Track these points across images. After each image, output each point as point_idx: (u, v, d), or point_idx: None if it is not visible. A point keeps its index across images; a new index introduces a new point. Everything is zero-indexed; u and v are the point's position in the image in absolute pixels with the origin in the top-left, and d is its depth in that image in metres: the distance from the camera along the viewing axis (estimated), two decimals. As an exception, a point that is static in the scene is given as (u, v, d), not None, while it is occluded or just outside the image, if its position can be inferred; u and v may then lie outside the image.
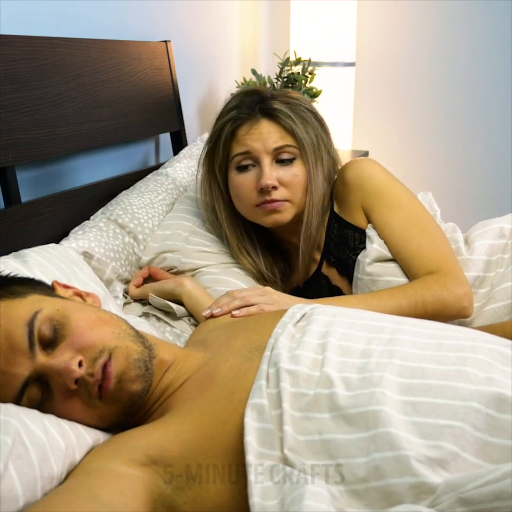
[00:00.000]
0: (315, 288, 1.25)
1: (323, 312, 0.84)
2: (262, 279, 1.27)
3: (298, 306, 0.88)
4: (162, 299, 1.21)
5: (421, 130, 2.49)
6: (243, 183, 1.19)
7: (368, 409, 0.65)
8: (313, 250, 1.22)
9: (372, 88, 2.49)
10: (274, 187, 1.16)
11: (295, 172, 1.19)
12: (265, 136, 1.17)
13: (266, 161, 1.17)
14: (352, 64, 2.25)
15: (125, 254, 1.28)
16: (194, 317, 1.21)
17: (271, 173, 1.16)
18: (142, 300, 1.28)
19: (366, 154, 2.27)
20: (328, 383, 0.69)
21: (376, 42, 2.47)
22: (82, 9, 1.51)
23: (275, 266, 1.30)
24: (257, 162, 1.18)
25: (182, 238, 1.31)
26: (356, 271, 1.16)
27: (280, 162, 1.18)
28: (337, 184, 1.23)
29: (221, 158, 1.22)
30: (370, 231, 1.16)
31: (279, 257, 1.32)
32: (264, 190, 1.16)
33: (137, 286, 1.27)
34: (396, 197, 1.15)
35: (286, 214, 1.19)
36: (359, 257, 1.16)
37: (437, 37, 2.39)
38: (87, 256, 1.18)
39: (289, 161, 1.19)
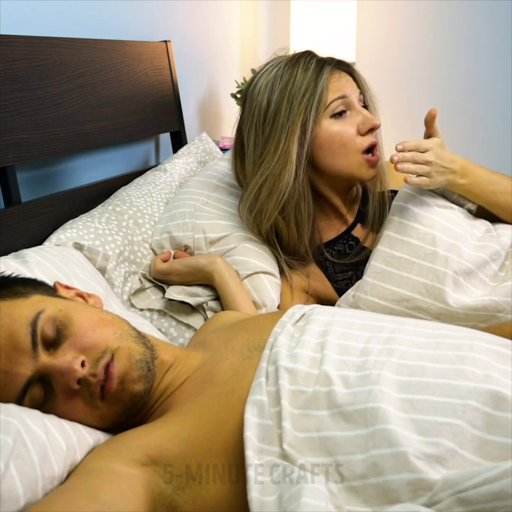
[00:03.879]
0: (339, 249, 1.26)
1: (322, 312, 0.84)
2: (283, 250, 1.25)
3: (297, 306, 0.88)
4: (177, 294, 1.21)
5: (421, 130, 2.49)
6: (346, 129, 1.17)
7: (366, 406, 0.65)
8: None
9: (372, 88, 2.49)
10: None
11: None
12: (350, 82, 1.20)
13: (358, 105, 1.19)
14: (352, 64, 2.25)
15: (121, 235, 1.26)
16: (212, 301, 1.21)
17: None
18: (158, 285, 1.26)
19: (365, 153, 2.27)
20: (326, 381, 0.69)
21: (376, 42, 2.46)
22: (82, 9, 1.51)
23: (316, 233, 1.27)
24: (348, 108, 1.18)
25: (189, 214, 1.31)
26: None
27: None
28: None
29: (313, 113, 1.16)
30: None
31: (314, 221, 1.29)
32: (371, 132, 1.18)
33: (164, 260, 1.26)
34: None
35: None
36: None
37: (437, 37, 2.39)
38: (78, 247, 1.16)
39: (365, 107, 1.21)
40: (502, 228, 1.18)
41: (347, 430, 0.65)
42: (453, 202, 1.20)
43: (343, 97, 1.17)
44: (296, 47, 2.15)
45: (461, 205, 1.21)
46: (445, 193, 1.20)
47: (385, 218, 1.20)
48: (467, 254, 1.10)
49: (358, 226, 1.27)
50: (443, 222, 1.12)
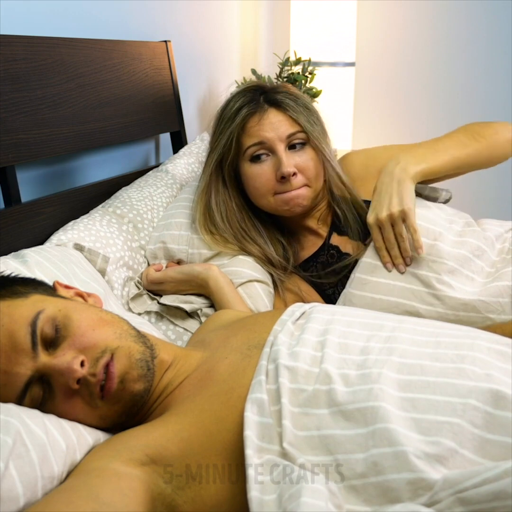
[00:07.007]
0: (322, 260, 1.27)
1: (322, 311, 0.84)
2: (270, 265, 1.28)
3: (297, 305, 0.89)
4: (171, 302, 1.21)
5: (421, 130, 2.49)
6: (260, 173, 1.21)
7: (366, 405, 0.65)
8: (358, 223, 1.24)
9: (372, 88, 2.49)
10: (294, 174, 1.19)
11: (309, 156, 1.22)
12: (276, 125, 1.20)
13: (281, 149, 1.19)
14: (352, 64, 2.25)
15: (121, 240, 1.26)
16: (207, 308, 1.21)
17: (289, 161, 1.19)
18: (154, 293, 1.26)
19: (366, 154, 2.27)
20: (326, 379, 0.69)
21: (376, 42, 2.47)
22: (82, 9, 1.51)
23: (290, 249, 1.31)
24: (271, 152, 1.20)
25: (185, 226, 1.31)
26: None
27: (292, 148, 1.21)
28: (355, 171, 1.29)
29: (232, 153, 1.23)
30: None
31: (290, 240, 1.33)
32: (284, 179, 1.19)
33: (157, 270, 1.27)
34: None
35: (306, 201, 1.22)
36: None
37: (437, 37, 2.39)
38: (78, 248, 1.16)
39: (301, 146, 1.22)
40: (487, 223, 1.19)
41: (347, 429, 0.65)
42: (426, 196, 1.19)
43: (260, 143, 1.20)
44: (296, 47, 2.15)
45: (435, 199, 1.20)
46: (418, 189, 1.19)
47: (357, 222, 1.22)
48: (447, 252, 1.09)
49: (334, 234, 1.28)
50: (420, 222, 1.11)
